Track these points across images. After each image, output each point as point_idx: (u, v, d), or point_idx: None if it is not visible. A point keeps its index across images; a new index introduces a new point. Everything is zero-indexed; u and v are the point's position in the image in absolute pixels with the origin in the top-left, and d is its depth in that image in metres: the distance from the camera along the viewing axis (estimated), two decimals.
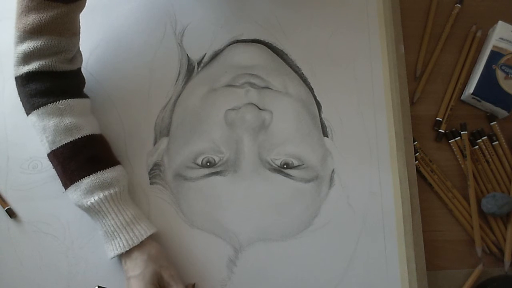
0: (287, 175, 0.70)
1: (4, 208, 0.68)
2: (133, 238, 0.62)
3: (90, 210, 0.63)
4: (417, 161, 0.74)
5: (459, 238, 0.73)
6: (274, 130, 0.72)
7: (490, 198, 0.71)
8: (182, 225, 0.69)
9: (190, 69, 0.75)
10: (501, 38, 0.77)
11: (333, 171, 0.72)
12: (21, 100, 0.65)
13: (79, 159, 0.63)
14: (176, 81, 0.74)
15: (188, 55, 0.75)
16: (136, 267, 0.61)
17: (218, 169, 0.70)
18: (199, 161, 0.70)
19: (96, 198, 0.62)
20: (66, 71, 0.64)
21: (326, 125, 0.74)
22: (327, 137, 0.73)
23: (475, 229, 0.72)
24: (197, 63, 0.75)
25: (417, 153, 0.74)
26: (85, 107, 0.66)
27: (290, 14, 0.78)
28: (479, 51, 0.80)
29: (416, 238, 0.69)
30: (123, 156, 0.70)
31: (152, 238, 0.64)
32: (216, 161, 0.70)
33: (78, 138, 0.63)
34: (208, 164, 0.70)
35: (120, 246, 0.62)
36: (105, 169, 0.64)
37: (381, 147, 0.73)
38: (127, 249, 0.61)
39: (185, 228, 0.69)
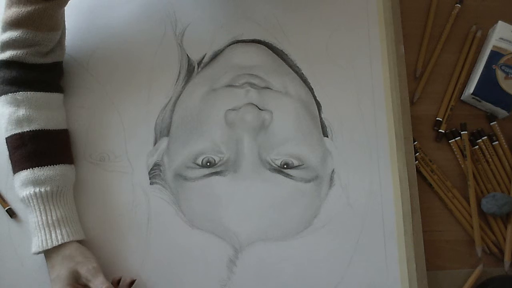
0: (287, 175, 0.70)
1: (4, 208, 0.68)
2: (48, 241, 0.62)
3: (24, 203, 0.64)
4: (417, 161, 0.74)
5: (459, 238, 0.73)
6: (274, 130, 0.72)
7: (490, 198, 0.71)
8: (182, 225, 0.69)
9: (190, 69, 0.75)
10: (501, 38, 0.77)
11: (333, 171, 0.72)
12: None
13: (22, 151, 0.64)
14: (176, 81, 0.74)
15: (188, 55, 0.75)
16: (53, 270, 0.62)
17: (218, 169, 0.70)
18: (199, 161, 0.70)
19: (27, 192, 0.63)
20: (36, 64, 0.66)
21: (326, 125, 0.74)
22: (327, 137, 0.73)
23: (475, 229, 0.72)
24: (197, 63, 0.75)
25: (417, 153, 0.74)
26: (47, 101, 0.67)
27: (290, 14, 0.78)
28: (479, 51, 0.80)
29: (416, 238, 0.69)
30: (123, 156, 0.70)
31: (76, 241, 0.64)
32: (216, 161, 0.70)
33: (26, 131, 0.64)
34: (208, 164, 0.70)
35: (36, 245, 0.62)
36: (43, 166, 0.64)
37: (381, 147, 0.73)
38: (40, 250, 0.62)
39: (185, 228, 0.68)
